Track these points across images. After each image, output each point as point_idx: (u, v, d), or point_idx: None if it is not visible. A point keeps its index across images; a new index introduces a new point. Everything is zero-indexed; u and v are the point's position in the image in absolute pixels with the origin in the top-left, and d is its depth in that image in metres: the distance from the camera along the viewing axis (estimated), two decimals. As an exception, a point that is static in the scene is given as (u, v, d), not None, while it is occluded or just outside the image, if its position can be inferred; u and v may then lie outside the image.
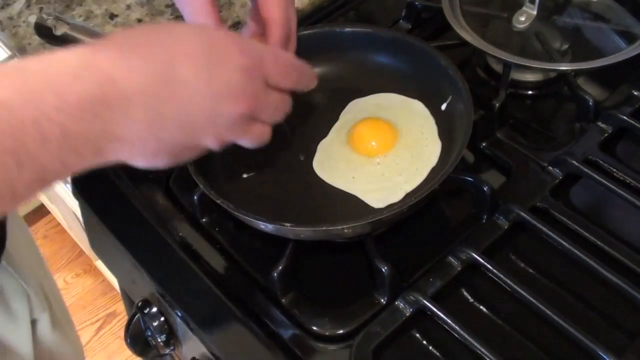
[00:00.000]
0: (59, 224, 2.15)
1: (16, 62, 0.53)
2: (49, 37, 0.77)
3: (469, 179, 0.76)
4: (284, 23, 0.72)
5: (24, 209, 2.17)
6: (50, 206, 2.05)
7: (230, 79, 0.60)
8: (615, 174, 0.77)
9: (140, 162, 0.58)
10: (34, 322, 0.85)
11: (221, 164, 0.78)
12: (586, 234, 0.72)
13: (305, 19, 0.99)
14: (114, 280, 1.84)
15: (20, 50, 0.99)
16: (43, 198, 2.03)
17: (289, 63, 0.68)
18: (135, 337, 0.82)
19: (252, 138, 0.65)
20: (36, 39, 0.97)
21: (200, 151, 0.62)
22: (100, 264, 1.93)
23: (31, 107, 0.49)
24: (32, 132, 0.48)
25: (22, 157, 0.48)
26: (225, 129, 0.61)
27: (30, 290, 0.84)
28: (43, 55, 0.52)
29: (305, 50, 0.84)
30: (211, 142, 0.61)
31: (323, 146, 0.81)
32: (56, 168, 0.51)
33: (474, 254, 0.70)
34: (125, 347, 0.84)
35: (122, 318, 1.96)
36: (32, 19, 1.01)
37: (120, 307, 1.99)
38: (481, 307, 0.71)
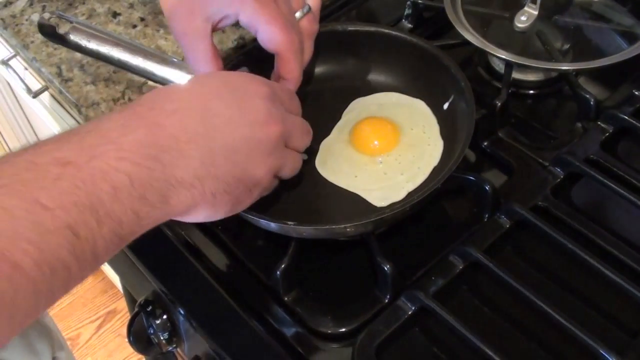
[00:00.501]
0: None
1: (67, 130, 0.56)
2: (52, 35, 0.77)
3: (471, 178, 0.76)
4: (300, 79, 0.75)
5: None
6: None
7: (257, 107, 0.64)
8: (616, 173, 0.77)
9: (203, 211, 0.61)
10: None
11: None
12: (587, 232, 0.72)
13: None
14: (114, 278, 1.85)
15: (23, 48, 0.99)
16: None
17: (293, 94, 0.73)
18: (138, 335, 0.82)
19: (290, 165, 0.69)
20: (39, 37, 0.97)
21: (256, 189, 0.65)
22: (100, 262, 1.93)
23: (96, 161, 0.52)
24: (103, 185, 0.51)
25: (100, 212, 0.51)
26: (267, 154, 0.64)
27: (51, 329, 0.85)
28: (90, 121, 0.57)
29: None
30: (261, 172, 0.64)
31: (325, 145, 0.81)
32: (130, 220, 0.53)
33: (475, 253, 0.71)
34: (125, 344, 0.85)
35: (122, 316, 1.96)
36: (35, 17, 1.01)
37: (121, 305, 1.99)
38: (483, 305, 0.71)
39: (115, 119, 0.56)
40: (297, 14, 0.75)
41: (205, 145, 0.59)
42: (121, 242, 0.54)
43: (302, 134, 0.70)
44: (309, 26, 0.77)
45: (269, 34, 0.70)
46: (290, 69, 0.73)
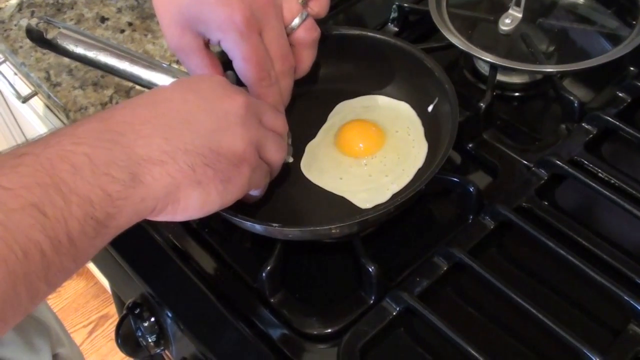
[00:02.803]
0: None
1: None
2: (40, 40, 0.77)
3: (455, 179, 0.77)
4: (280, 102, 0.76)
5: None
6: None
7: (219, 86, 0.65)
8: (600, 175, 0.78)
9: (192, 190, 0.59)
10: (55, 357, 0.86)
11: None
12: (571, 233, 0.73)
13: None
14: (106, 283, 1.85)
15: (12, 53, 0.99)
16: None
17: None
18: (126, 338, 0.82)
19: (273, 144, 0.68)
20: (27, 42, 0.98)
21: (243, 166, 0.63)
22: (92, 267, 1.93)
23: (53, 149, 0.52)
24: (62, 165, 0.52)
25: (64, 189, 0.51)
26: (240, 125, 0.63)
27: (49, 326, 0.85)
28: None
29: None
30: (240, 144, 0.62)
31: (311, 147, 0.81)
32: (100, 199, 0.52)
33: (460, 254, 0.71)
34: (118, 349, 0.85)
35: (115, 321, 1.96)
36: (24, 22, 1.02)
37: (113, 310, 1.99)
38: (467, 305, 0.71)
39: (68, 125, 0.57)
40: (295, 21, 0.75)
41: (162, 123, 0.59)
42: (99, 226, 0.53)
43: (275, 149, 0.68)
44: (306, 35, 0.77)
45: (241, 70, 0.72)
46: (264, 99, 0.73)
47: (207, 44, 0.73)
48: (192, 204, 0.60)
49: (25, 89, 1.15)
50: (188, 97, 0.62)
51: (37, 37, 0.78)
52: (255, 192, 0.72)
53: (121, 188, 0.54)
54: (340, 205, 0.76)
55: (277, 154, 0.69)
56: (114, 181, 0.53)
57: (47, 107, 1.16)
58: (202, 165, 0.59)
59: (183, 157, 0.58)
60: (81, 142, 0.54)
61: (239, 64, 0.71)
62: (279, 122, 0.70)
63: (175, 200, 0.59)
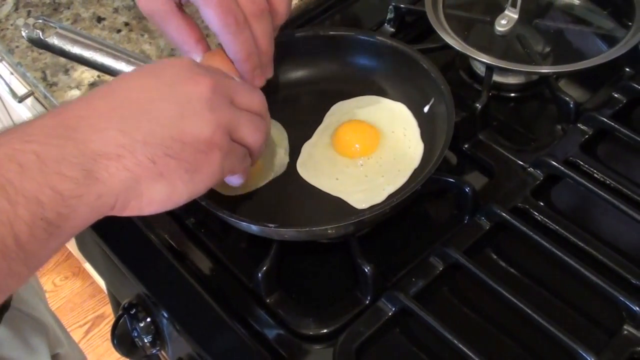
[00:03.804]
0: (47, 226, 2.15)
1: None
2: (36, 40, 0.77)
3: (451, 180, 0.77)
4: (248, 61, 0.71)
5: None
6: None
7: (183, 70, 0.60)
8: (595, 175, 0.78)
9: (155, 184, 0.56)
10: (55, 357, 0.86)
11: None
12: (566, 234, 0.73)
13: (291, 22, 1.00)
14: (102, 283, 1.85)
15: (8, 53, 0.99)
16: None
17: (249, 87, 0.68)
18: (122, 338, 0.82)
19: (248, 125, 0.63)
20: (24, 42, 0.98)
21: (213, 152, 0.59)
22: (88, 267, 1.93)
23: (1, 149, 0.50)
24: (9, 165, 0.49)
25: (9, 191, 0.48)
26: (207, 110, 0.59)
27: (47, 326, 0.85)
28: None
29: (290, 53, 0.85)
30: (206, 130, 0.58)
31: (307, 148, 0.81)
32: (51, 200, 0.50)
33: (455, 254, 0.71)
34: (114, 349, 0.85)
35: (111, 320, 1.95)
36: (20, 22, 1.02)
37: (109, 310, 1.99)
38: (463, 306, 0.72)
39: (24, 121, 0.54)
40: None
41: (118, 115, 0.55)
42: (51, 227, 0.50)
43: (251, 130, 0.63)
44: (251, 5, 0.69)
45: (205, 16, 0.67)
46: (232, 51, 0.69)
47: (180, 5, 0.70)
48: (157, 197, 0.57)
49: (21, 89, 1.15)
50: (148, 84, 0.59)
51: (34, 37, 0.77)
52: (235, 179, 0.67)
53: (74, 186, 0.51)
54: (336, 205, 0.76)
55: (254, 135, 0.64)
56: (65, 179, 0.50)
57: (43, 106, 1.16)
58: (163, 156, 0.56)
59: (142, 150, 0.55)
60: (31, 140, 0.51)
61: (202, 12, 0.67)
62: (255, 100, 0.66)
63: (138, 195, 0.55)
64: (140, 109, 0.56)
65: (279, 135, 0.82)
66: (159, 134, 0.56)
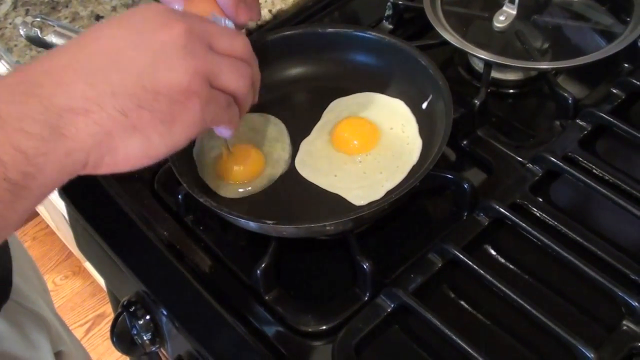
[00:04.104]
0: (47, 225, 2.15)
1: None
2: (35, 39, 0.77)
3: (450, 176, 0.77)
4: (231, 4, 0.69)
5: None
6: (38, 208, 2.05)
7: (156, 16, 0.57)
8: (594, 171, 0.78)
9: (128, 138, 0.53)
10: (58, 355, 0.86)
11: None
12: (565, 229, 0.73)
13: (289, 19, 1.00)
14: (102, 282, 1.85)
15: (6, 51, 0.99)
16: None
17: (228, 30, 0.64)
18: (121, 336, 0.82)
19: (229, 70, 0.59)
20: (22, 40, 0.98)
21: (191, 100, 0.55)
22: (89, 266, 1.93)
23: None
24: None
25: None
26: (182, 55, 0.55)
27: (49, 323, 0.84)
28: None
29: (289, 50, 0.85)
30: (181, 76, 0.54)
31: (305, 145, 0.81)
32: (14, 159, 0.48)
33: (454, 250, 0.71)
34: (114, 348, 0.85)
35: (111, 320, 1.96)
36: (19, 20, 1.02)
37: (109, 309, 1.99)
38: (461, 302, 0.72)
39: None
40: None
41: (85, 67, 0.52)
42: (16, 188, 0.48)
43: (234, 76, 0.59)
44: None
45: None
46: None
47: None
48: (132, 152, 0.54)
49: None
50: (118, 33, 0.55)
51: (32, 36, 0.77)
52: (224, 130, 0.65)
53: (39, 144, 0.49)
54: (334, 202, 0.76)
55: (237, 81, 0.60)
56: (29, 137, 0.48)
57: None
58: (136, 108, 0.53)
59: (111, 102, 0.52)
60: None
61: None
62: (237, 44, 0.61)
63: (112, 150, 0.53)
64: (109, 60, 0.53)
65: (280, 133, 0.82)
66: (129, 84, 0.53)
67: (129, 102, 0.52)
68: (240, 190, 0.77)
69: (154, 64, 0.54)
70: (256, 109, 0.71)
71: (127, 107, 0.52)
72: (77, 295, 2.07)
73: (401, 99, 0.83)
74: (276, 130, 0.82)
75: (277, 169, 0.79)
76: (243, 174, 0.78)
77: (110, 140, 0.52)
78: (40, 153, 0.49)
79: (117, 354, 0.92)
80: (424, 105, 0.80)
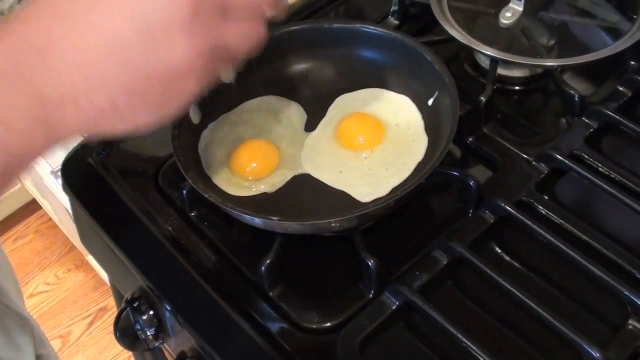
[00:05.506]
0: (50, 218, 2.15)
1: None
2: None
3: (455, 173, 0.77)
4: None
5: (15, 203, 2.17)
6: (41, 201, 2.05)
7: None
8: (600, 169, 0.78)
9: (116, 128, 0.52)
10: (39, 357, 0.85)
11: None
12: (571, 227, 0.73)
13: (295, 14, 1.00)
14: (105, 275, 1.85)
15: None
16: (35, 193, 2.03)
17: None
18: (125, 331, 0.82)
19: (237, 39, 0.55)
20: (26, 34, 0.97)
21: (189, 78, 0.52)
22: (91, 259, 1.93)
23: None
24: None
25: None
26: (185, 32, 0.50)
27: (32, 325, 0.84)
28: None
29: (294, 45, 0.85)
30: (181, 55, 0.51)
31: (310, 141, 0.81)
32: None
33: (459, 248, 0.71)
34: (116, 342, 0.85)
35: (113, 313, 1.95)
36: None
37: (112, 302, 1.99)
38: (467, 300, 0.71)
39: None
40: None
41: (78, 50, 0.48)
42: None
43: (240, 41, 0.55)
44: None
45: None
46: None
47: None
48: (119, 132, 0.52)
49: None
50: (115, 9, 0.49)
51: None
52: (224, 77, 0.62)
53: (24, 136, 0.48)
54: (339, 198, 0.76)
55: (242, 45, 0.56)
56: (12, 132, 0.47)
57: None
58: (127, 95, 0.50)
59: (103, 93, 0.49)
60: None
61: None
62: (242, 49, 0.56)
63: (98, 130, 0.52)
64: (102, 42, 0.49)
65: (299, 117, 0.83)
66: (122, 71, 0.49)
67: (121, 91, 0.50)
68: (253, 188, 0.77)
69: (150, 44, 0.49)
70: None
71: (118, 96, 0.50)
72: (80, 288, 2.08)
73: (407, 95, 0.83)
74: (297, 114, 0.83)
75: (291, 170, 0.79)
76: (255, 170, 0.78)
77: (97, 126, 0.51)
78: (26, 121, 0.48)
79: (119, 347, 0.92)
80: (430, 102, 0.80)
